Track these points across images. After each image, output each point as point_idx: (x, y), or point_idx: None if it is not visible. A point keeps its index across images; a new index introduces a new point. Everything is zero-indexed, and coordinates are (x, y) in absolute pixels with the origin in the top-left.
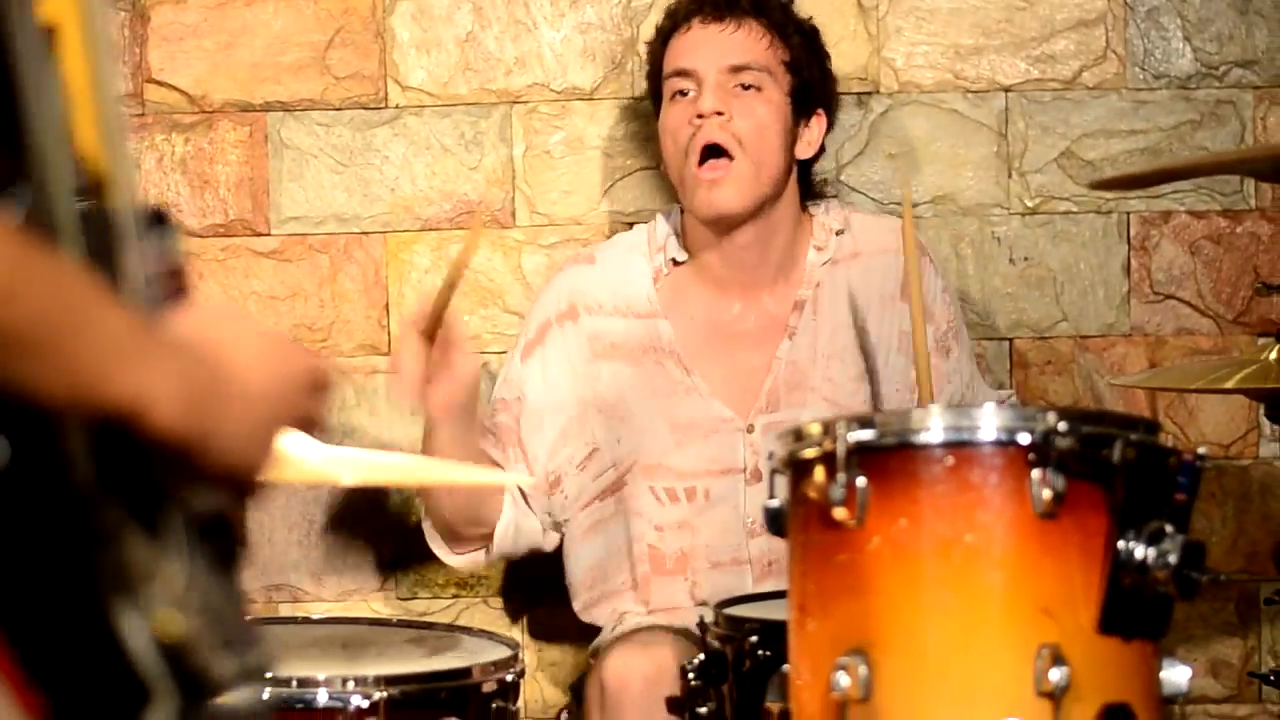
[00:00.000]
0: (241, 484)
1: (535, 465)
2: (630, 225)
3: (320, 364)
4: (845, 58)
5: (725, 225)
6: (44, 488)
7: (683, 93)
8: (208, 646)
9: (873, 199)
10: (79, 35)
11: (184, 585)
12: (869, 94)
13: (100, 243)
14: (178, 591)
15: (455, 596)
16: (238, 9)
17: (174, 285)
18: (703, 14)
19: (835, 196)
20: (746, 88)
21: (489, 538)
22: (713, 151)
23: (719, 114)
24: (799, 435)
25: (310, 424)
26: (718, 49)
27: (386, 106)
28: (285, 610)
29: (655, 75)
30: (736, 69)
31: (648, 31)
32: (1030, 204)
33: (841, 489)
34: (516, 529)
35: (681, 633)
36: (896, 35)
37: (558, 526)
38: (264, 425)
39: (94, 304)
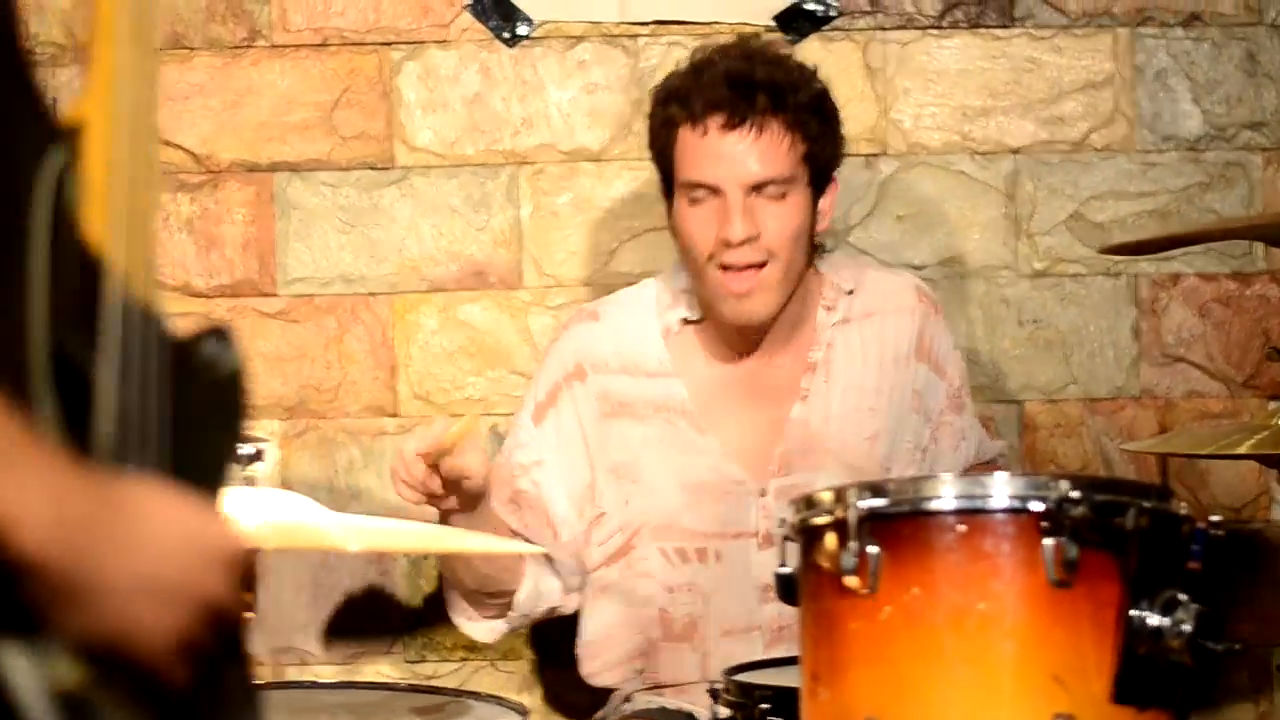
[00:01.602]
0: (129, 645)
1: (564, 527)
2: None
3: (241, 547)
4: (853, 119)
5: (753, 329)
6: None
7: (702, 201)
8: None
9: (880, 261)
10: (107, 130)
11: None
12: (876, 155)
13: (80, 338)
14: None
15: (464, 660)
16: (244, 69)
17: (219, 399)
18: (719, 116)
19: (834, 249)
20: (771, 195)
21: (509, 604)
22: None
23: (748, 236)
24: (810, 503)
25: (219, 610)
26: (739, 163)
27: (393, 167)
28: (292, 674)
29: (664, 161)
30: (761, 184)
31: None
32: (1039, 266)
33: (853, 557)
34: (537, 592)
35: (687, 716)
36: (904, 97)
37: (578, 588)
38: (164, 589)
39: None
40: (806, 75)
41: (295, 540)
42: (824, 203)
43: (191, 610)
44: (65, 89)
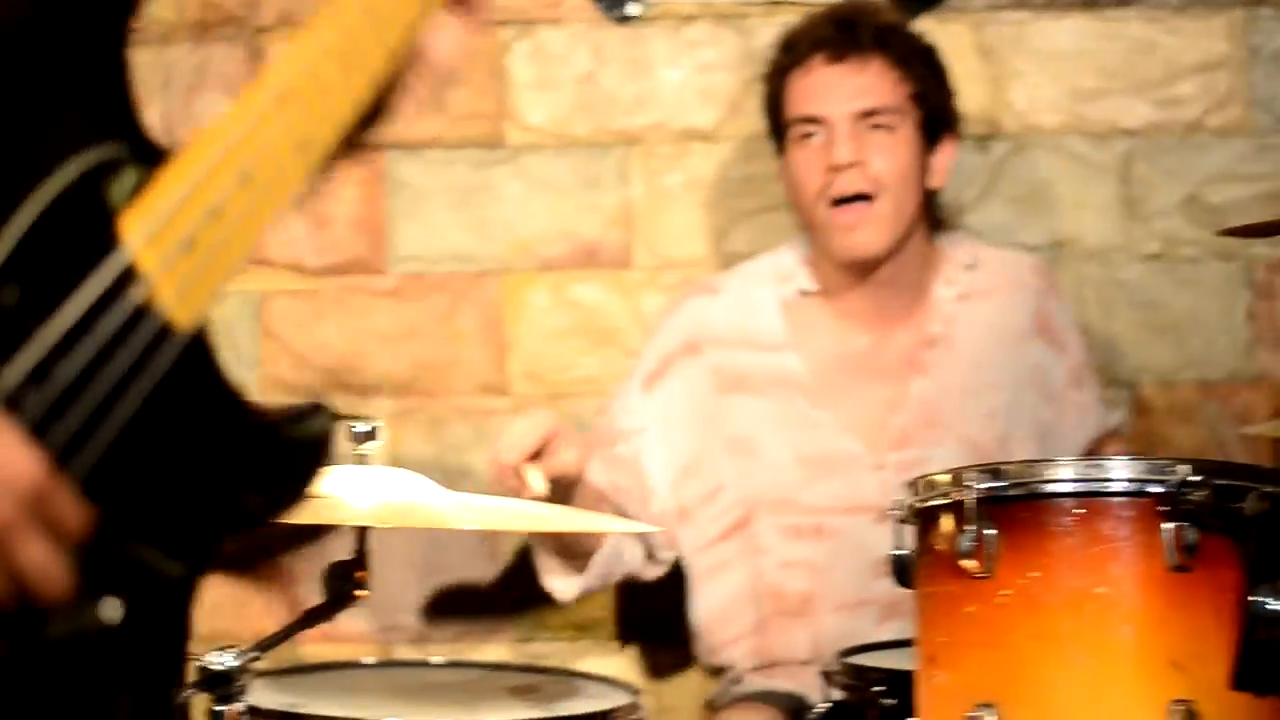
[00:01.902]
0: None
1: (655, 498)
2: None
3: (63, 497)
4: (966, 100)
5: (863, 267)
6: None
7: (811, 139)
8: None
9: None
10: (201, 164)
11: None
12: (989, 137)
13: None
14: None
15: (573, 639)
16: None
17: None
18: (825, 52)
19: (959, 228)
20: (877, 128)
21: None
22: (850, 197)
23: (855, 163)
24: (927, 485)
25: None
26: (845, 92)
27: (504, 146)
28: (401, 653)
29: (775, 112)
30: (866, 113)
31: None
32: (1153, 249)
33: (970, 539)
34: (617, 553)
35: (798, 699)
36: (1018, 78)
37: (664, 562)
38: None
39: None
40: (912, 30)
41: (408, 520)
42: (937, 160)
43: None
44: (174, 68)
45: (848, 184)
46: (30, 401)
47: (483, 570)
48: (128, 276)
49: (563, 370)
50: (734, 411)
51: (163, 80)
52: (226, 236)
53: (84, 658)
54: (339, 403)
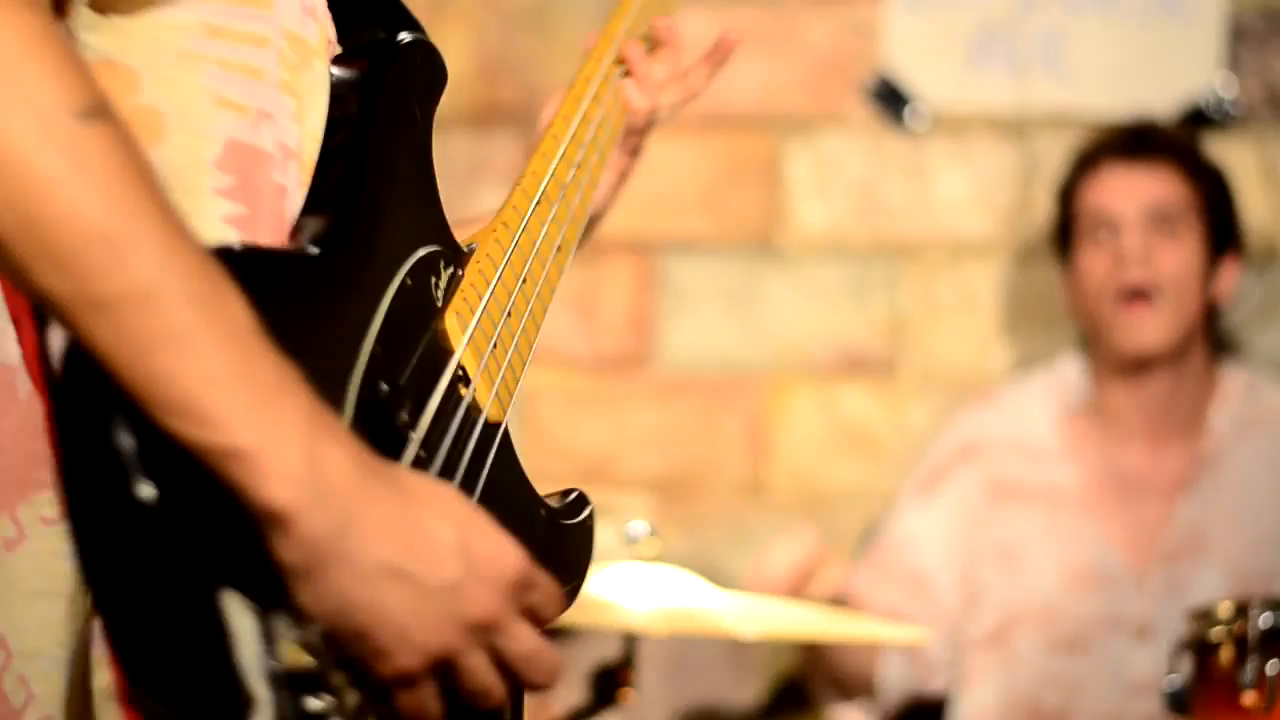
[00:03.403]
0: (369, 644)
1: (938, 606)
2: (1017, 380)
3: (543, 583)
4: (1245, 221)
5: (1143, 366)
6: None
7: (1099, 238)
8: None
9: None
10: (488, 261)
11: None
12: (1269, 260)
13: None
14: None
15: None
16: None
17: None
18: (1116, 154)
19: (1236, 358)
20: (1165, 230)
21: (871, 688)
22: (1134, 294)
23: (1142, 258)
24: (1207, 614)
25: (491, 641)
26: (1135, 191)
27: (777, 249)
28: None
29: (1065, 216)
30: (1155, 211)
31: (1043, 185)
32: None
33: (1252, 673)
34: (900, 673)
35: None
36: None
37: (944, 667)
38: (421, 589)
39: (222, 308)
40: (1203, 154)
41: (689, 625)
42: (1221, 273)
43: (451, 625)
44: (453, 158)
45: (1134, 275)
46: None
47: (730, 673)
48: (460, 379)
49: (823, 477)
50: (1002, 520)
51: (443, 171)
52: (516, 335)
53: None
54: (596, 498)
